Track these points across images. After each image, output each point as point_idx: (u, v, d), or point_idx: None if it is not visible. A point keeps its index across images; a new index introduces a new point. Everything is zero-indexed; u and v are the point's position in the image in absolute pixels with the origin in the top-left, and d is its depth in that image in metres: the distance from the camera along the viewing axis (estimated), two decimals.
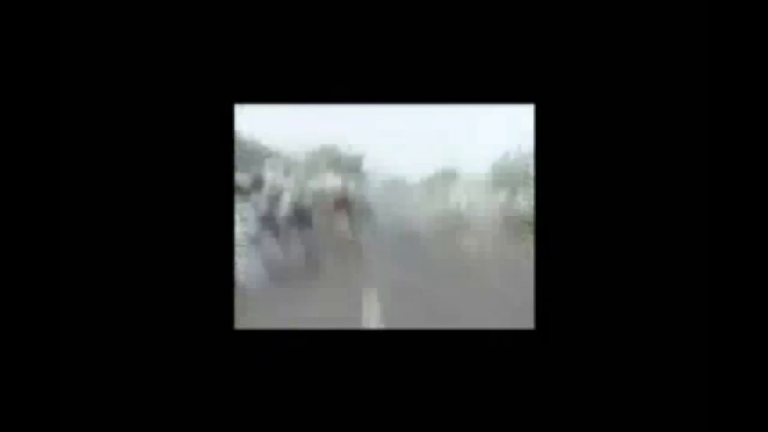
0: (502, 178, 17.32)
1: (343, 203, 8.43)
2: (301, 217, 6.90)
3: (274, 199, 6.66)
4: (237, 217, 5.33)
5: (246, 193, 6.13)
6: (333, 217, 8.14)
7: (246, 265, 5.44)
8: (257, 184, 6.70)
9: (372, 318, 4.12)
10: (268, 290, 5.51)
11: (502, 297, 4.93)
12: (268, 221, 5.89)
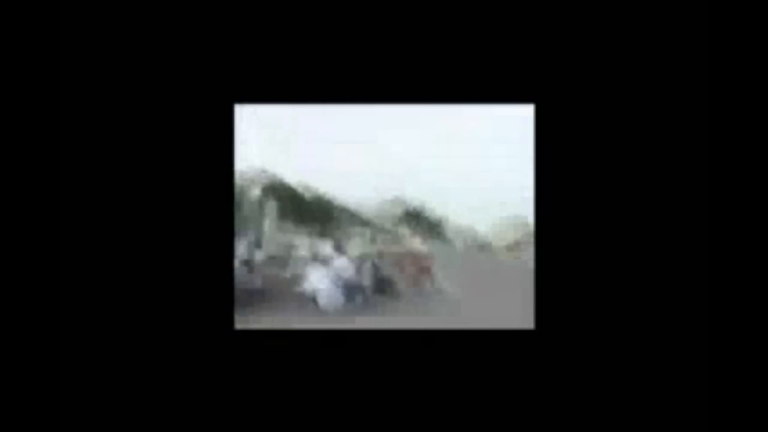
0: None
1: (427, 270, 8.56)
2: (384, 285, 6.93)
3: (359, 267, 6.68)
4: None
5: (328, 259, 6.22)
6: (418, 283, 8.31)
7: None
8: (339, 249, 6.83)
9: None
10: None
11: None
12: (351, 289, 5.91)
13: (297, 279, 7.31)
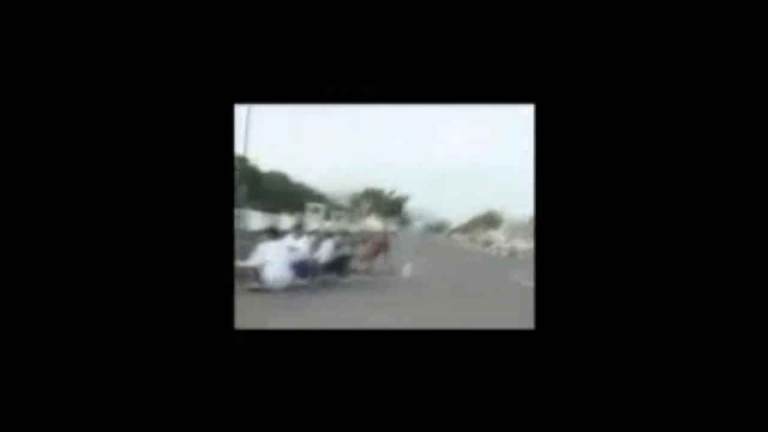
0: None
1: (384, 246, 8.43)
2: (340, 263, 6.75)
3: (315, 245, 6.46)
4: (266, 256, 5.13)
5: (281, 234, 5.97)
6: (372, 260, 8.18)
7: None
8: (299, 227, 6.57)
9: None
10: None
11: None
12: (302, 267, 5.66)
13: (245, 254, 7.06)
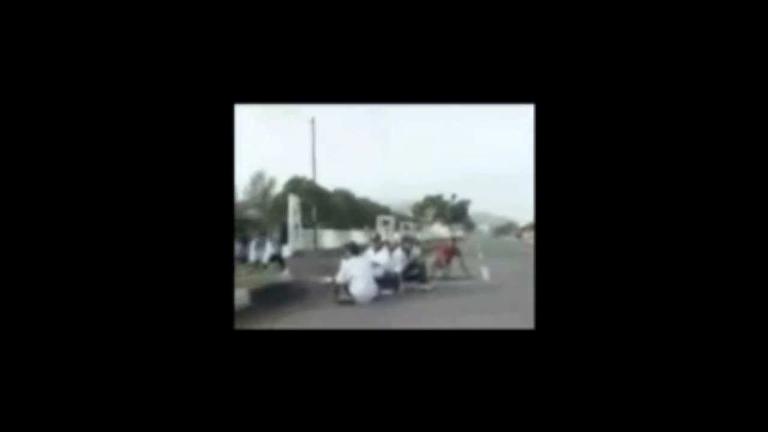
0: None
1: (455, 251, 8.65)
2: (418, 271, 7.02)
3: (392, 256, 6.77)
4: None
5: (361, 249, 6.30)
6: (447, 266, 8.37)
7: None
8: (376, 240, 6.93)
9: None
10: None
11: None
12: (386, 279, 6.01)
13: (327, 270, 7.46)
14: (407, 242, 7.84)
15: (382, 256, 6.58)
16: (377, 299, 5.61)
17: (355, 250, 6.17)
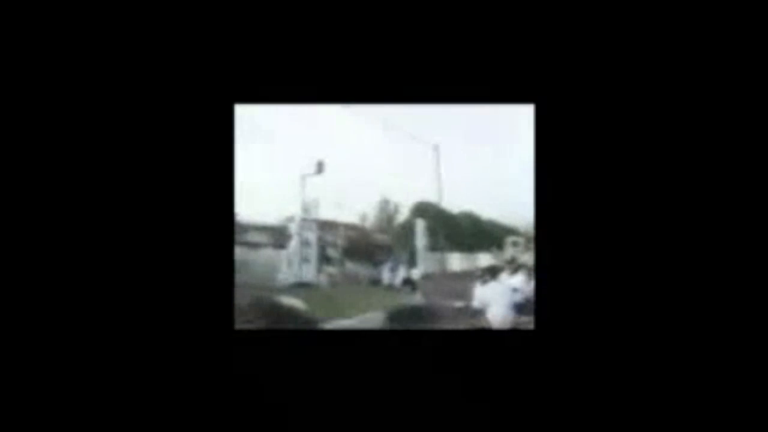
0: None
1: None
2: None
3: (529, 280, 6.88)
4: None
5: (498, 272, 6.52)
6: None
7: None
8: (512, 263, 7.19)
9: None
10: None
11: None
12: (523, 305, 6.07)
13: (457, 294, 7.40)
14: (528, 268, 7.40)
15: (519, 280, 6.32)
16: (514, 327, 5.38)
17: (494, 273, 6.01)
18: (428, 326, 5.68)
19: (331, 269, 11.41)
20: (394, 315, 5.62)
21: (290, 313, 4.58)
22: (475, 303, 5.57)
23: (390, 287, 8.98)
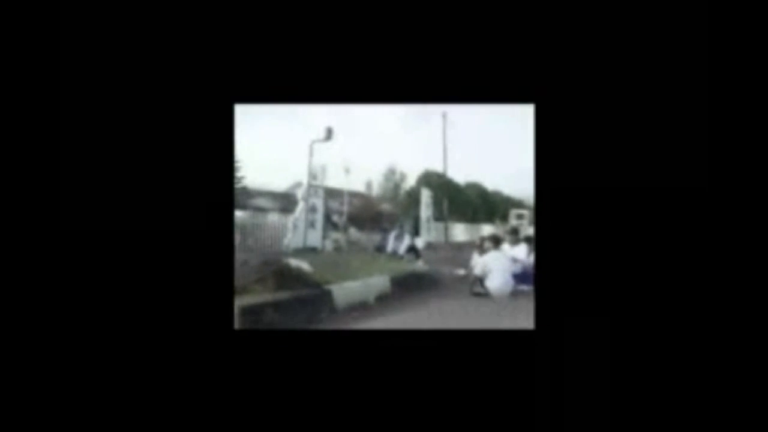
0: None
1: None
2: None
3: (530, 251, 6.96)
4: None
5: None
6: None
7: None
8: (513, 232, 7.25)
9: None
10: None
11: None
12: (523, 275, 6.19)
13: (459, 262, 7.56)
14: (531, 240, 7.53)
15: (520, 251, 6.46)
16: (513, 295, 5.56)
17: (497, 242, 6.14)
18: (430, 291, 5.87)
19: (336, 235, 11.60)
20: (398, 280, 5.81)
21: (299, 274, 4.75)
22: (477, 270, 5.74)
23: (394, 254, 9.15)
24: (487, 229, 18.38)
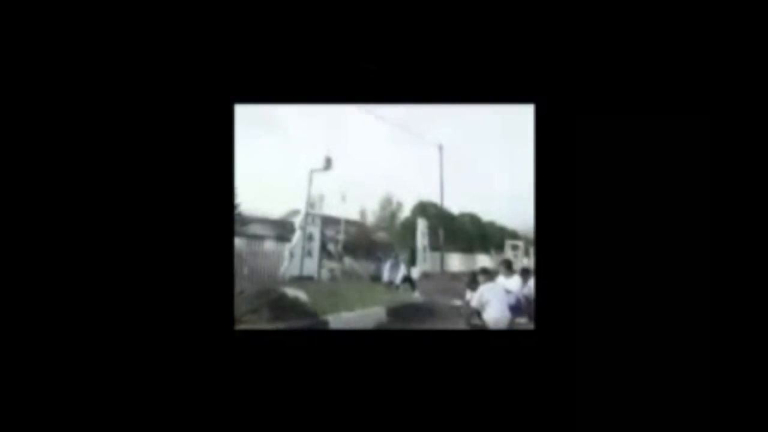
0: None
1: None
2: None
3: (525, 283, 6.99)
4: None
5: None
6: None
7: None
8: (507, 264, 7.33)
9: None
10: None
11: None
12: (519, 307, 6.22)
13: (455, 293, 7.54)
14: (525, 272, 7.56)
15: (514, 283, 6.47)
16: (510, 327, 5.54)
17: (489, 275, 6.15)
18: (426, 323, 5.84)
19: (331, 264, 11.57)
20: (394, 310, 5.78)
21: (294, 304, 4.74)
22: (473, 302, 5.74)
23: (390, 284, 9.12)
24: (482, 259, 18.40)
